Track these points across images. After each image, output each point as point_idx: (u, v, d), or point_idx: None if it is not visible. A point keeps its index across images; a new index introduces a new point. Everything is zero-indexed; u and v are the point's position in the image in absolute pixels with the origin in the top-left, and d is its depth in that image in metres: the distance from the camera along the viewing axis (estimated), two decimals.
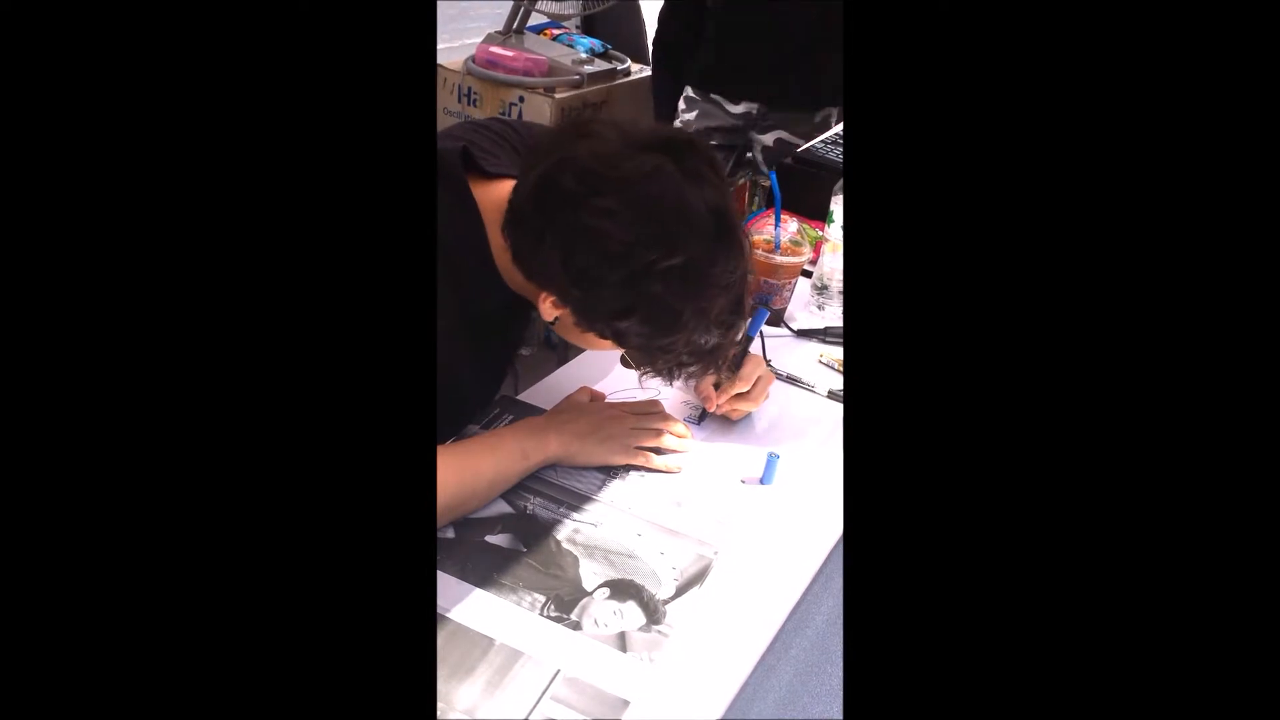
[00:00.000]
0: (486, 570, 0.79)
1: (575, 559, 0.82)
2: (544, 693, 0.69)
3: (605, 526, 0.86)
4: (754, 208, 2.75)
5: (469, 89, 2.57)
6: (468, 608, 0.75)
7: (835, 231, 1.27)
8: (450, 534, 0.83)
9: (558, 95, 2.46)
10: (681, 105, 2.11)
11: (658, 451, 0.95)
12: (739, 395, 1.00)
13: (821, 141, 1.79)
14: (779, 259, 1.19)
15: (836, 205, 1.27)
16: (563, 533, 0.85)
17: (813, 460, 0.98)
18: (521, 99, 2.48)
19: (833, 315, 1.28)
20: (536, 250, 0.77)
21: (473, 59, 2.56)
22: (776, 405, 1.07)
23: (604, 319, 0.78)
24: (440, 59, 2.52)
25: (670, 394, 1.02)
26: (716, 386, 1.00)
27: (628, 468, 0.94)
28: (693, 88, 2.08)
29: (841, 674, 0.74)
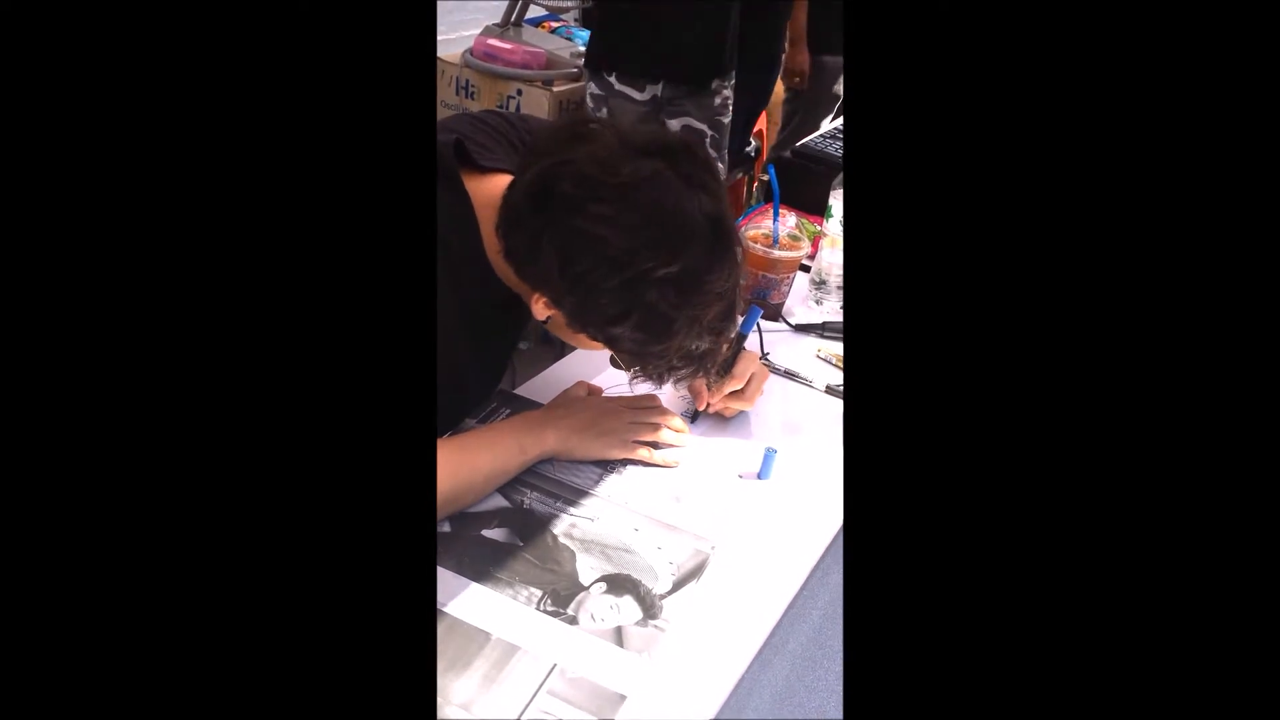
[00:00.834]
0: (483, 565, 0.79)
1: (572, 553, 0.82)
2: (540, 687, 0.69)
3: (602, 521, 0.86)
4: (753, 202, 2.75)
5: (467, 81, 2.56)
6: (464, 602, 0.75)
7: (833, 226, 1.27)
8: (447, 528, 0.83)
9: (556, 88, 2.45)
10: (590, 104, 2.11)
11: (655, 446, 0.95)
12: (732, 393, 1.00)
13: (820, 136, 1.79)
14: (777, 254, 1.19)
15: (835, 200, 1.27)
16: (560, 527, 0.85)
17: (810, 455, 0.98)
18: (519, 92, 2.47)
19: (831, 310, 1.28)
20: (532, 253, 0.77)
21: (470, 51, 2.55)
22: (774, 400, 1.07)
23: (598, 324, 0.78)
24: (438, 51, 2.52)
25: (667, 389, 1.02)
26: (709, 385, 1.00)
27: (625, 462, 0.94)
28: (590, 71, 2.08)
29: (838, 668, 0.74)
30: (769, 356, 1.15)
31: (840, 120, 2.24)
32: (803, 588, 0.82)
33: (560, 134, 0.78)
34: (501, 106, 2.52)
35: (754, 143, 2.85)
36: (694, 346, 0.79)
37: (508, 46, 2.49)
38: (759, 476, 0.94)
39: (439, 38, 2.97)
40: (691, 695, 0.70)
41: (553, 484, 0.90)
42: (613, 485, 0.91)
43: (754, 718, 0.70)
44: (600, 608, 0.77)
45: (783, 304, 1.25)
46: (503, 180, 0.83)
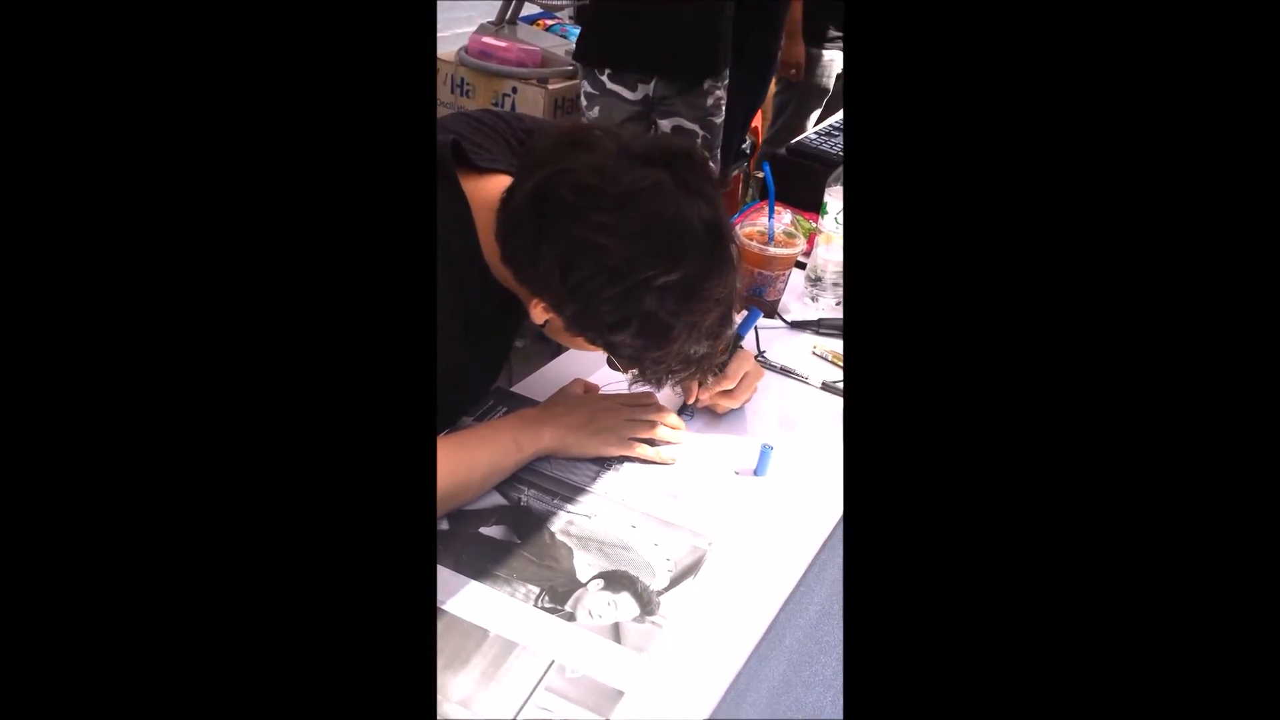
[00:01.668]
0: (481, 562, 0.79)
1: (569, 550, 0.82)
2: (538, 683, 0.69)
3: (599, 518, 0.87)
4: (748, 199, 2.75)
5: (461, 79, 2.56)
6: (462, 599, 0.75)
7: (829, 223, 1.27)
8: (444, 526, 0.83)
9: (551, 86, 2.45)
10: (583, 102, 2.11)
11: (651, 443, 0.95)
12: (724, 391, 1.00)
13: (815, 133, 1.79)
14: (773, 251, 1.19)
15: (830, 197, 1.28)
16: (557, 524, 0.85)
17: (806, 451, 0.98)
18: (514, 90, 2.47)
19: (826, 306, 1.28)
20: (532, 259, 0.77)
21: (465, 49, 2.55)
22: (770, 397, 1.07)
23: (597, 330, 0.79)
24: None
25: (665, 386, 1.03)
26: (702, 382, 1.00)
27: (622, 459, 0.94)
28: (583, 67, 2.08)
29: (835, 663, 0.75)
30: (765, 354, 1.15)
31: (832, 116, 2.24)
32: (799, 583, 0.82)
33: (560, 141, 0.78)
34: (496, 104, 2.52)
35: (749, 139, 2.86)
36: (692, 351, 0.80)
37: (502, 44, 2.49)
38: (755, 473, 0.95)
39: None
40: (689, 691, 0.71)
41: (550, 481, 0.90)
42: (610, 482, 0.91)
43: (751, 714, 0.70)
44: (598, 604, 0.77)
45: (778, 301, 1.25)
46: (500, 180, 0.83)
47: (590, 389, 1.01)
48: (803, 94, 2.72)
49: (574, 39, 2.60)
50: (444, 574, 0.78)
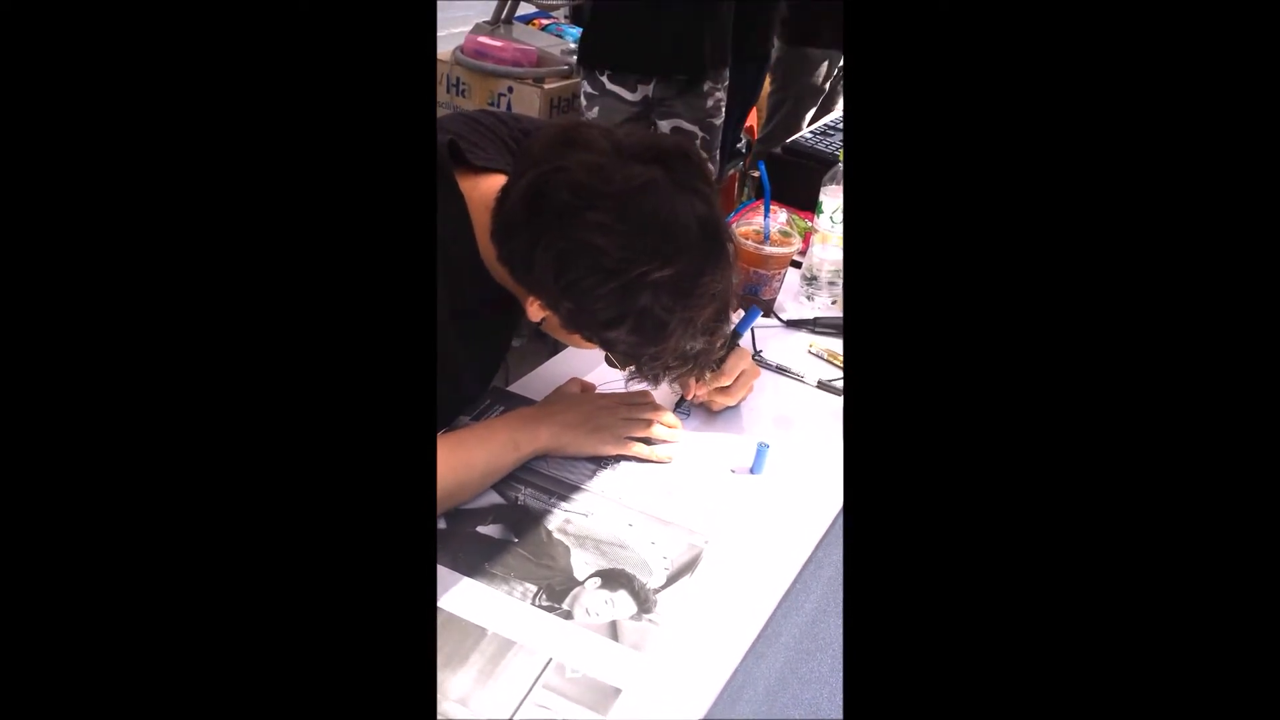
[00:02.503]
0: (478, 560, 0.80)
1: (566, 549, 0.83)
2: (536, 681, 0.70)
3: (596, 516, 0.87)
4: (743, 198, 2.76)
5: (458, 79, 2.56)
6: (460, 598, 0.76)
7: (824, 222, 1.28)
8: (442, 525, 0.83)
9: (547, 86, 2.45)
10: (582, 102, 2.11)
11: (648, 442, 0.96)
12: (720, 389, 1.00)
13: (811, 132, 1.79)
14: (768, 249, 1.19)
15: (825, 196, 1.28)
16: (554, 523, 0.85)
17: (802, 450, 0.99)
18: (510, 89, 2.47)
19: (822, 305, 1.29)
20: (527, 258, 0.77)
21: (461, 49, 2.55)
22: (766, 395, 1.08)
23: (593, 327, 0.79)
24: None
25: (662, 385, 1.03)
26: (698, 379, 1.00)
27: (618, 458, 0.95)
28: (583, 70, 2.08)
29: (832, 660, 0.75)
30: (761, 353, 1.16)
31: (826, 115, 2.25)
32: (796, 581, 0.83)
33: (554, 139, 0.78)
34: (492, 104, 2.52)
35: (744, 138, 2.86)
36: (689, 347, 0.80)
37: (498, 44, 2.49)
38: (751, 471, 0.95)
39: None
40: (686, 688, 0.71)
41: (547, 480, 0.91)
42: (606, 481, 0.92)
43: (748, 711, 0.71)
44: (595, 602, 0.77)
45: (774, 299, 1.26)
46: (497, 180, 0.83)
47: (587, 388, 1.01)
48: (797, 94, 2.72)
49: (570, 39, 2.61)
50: (442, 572, 0.78)
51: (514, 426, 0.91)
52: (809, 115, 2.73)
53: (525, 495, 0.88)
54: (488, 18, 2.61)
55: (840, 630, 0.78)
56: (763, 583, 0.81)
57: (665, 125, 2.07)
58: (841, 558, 0.87)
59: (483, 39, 2.51)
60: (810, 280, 1.30)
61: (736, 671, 0.73)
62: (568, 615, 0.76)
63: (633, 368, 0.84)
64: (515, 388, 1.04)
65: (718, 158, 2.28)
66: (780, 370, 1.14)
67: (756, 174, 1.22)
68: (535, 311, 0.82)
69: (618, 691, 0.70)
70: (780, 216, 1.24)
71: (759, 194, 1.22)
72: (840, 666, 0.75)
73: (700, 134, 2.09)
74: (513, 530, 0.84)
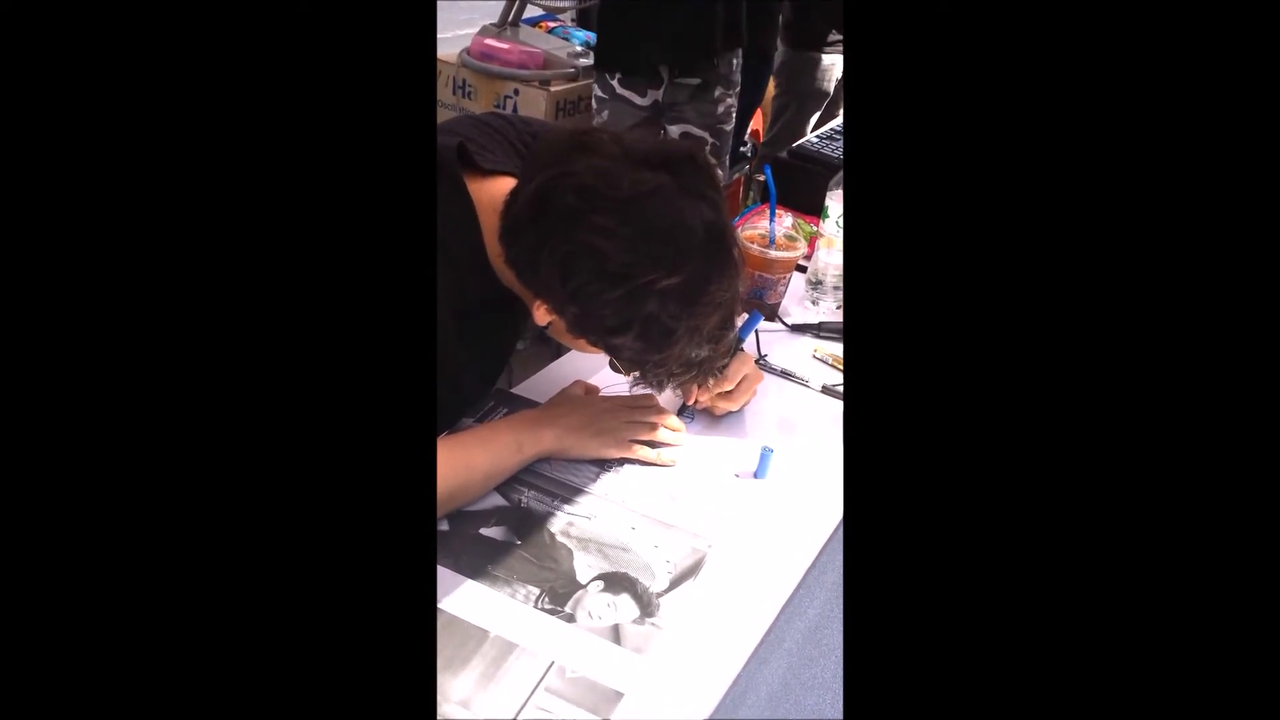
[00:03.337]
0: (480, 563, 0.80)
1: (569, 552, 0.82)
2: (538, 685, 0.69)
3: (599, 519, 0.87)
4: (749, 202, 2.76)
5: (464, 81, 2.56)
6: (462, 600, 0.76)
7: (829, 227, 1.28)
8: (444, 527, 0.83)
9: (553, 88, 2.45)
10: (594, 106, 2.11)
11: (652, 445, 0.96)
12: (722, 394, 1.00)
13: (817, 137, 1.79)
14: (773, 254, 1.19)
15: (831, 200, 1.28)
16: (557, 525, 0.85)
17: (806, 454, 0.99)
18: (516, 91, 2.48)
19: (827, 310, 1.28)
20: (534, 262, 0.77)
21: (467, 51, 2.56)
22: (770, 400, 1.08)
23: (598, 333, 0.79)
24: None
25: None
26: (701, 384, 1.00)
27: (622, 461, 0.94)
28: (597, 72, 2.08)
29: (835, 666, 0.75)
30: (765, 357, 1.15)
31: (833, 120, 2.25)
32: (799, 586, 0.82)
33: (562, 143, 0.78)
34: (498, 106, 2.52)
35: (749, 142, 2.86)
36: (694, 354, 0.80)
37: (505, 46, 2.50)
38: (755, 476, 0.95)
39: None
40: (688, 693, 0.71)
41: (550, 482, 0.91)
42: (610, 484, 0.91)
43: (750, 715, 0.70)
44: (598, 606, 0.77)
45: (779, 304, 1.26)
46: (505, 182, 0.83)
47: (591, 391, 1.01)
48: (802, 97, 2.73)
49: (576, 41, 2.61)
50: (444, 574, 0.78)
51: (517, 429, 0.91)
52: (814, 119, 2.73)
53: (528, 498, 0.88)
54: (494, 20, 2.61)
55: (843, 637, 0.78)
56: (766, 587, 0.81)
57: (675, 130, 2.07)
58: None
59: (489, 41, 2.52)
60: (815, 285, 1.30)
61: (739, 676, 0.73)
62: (570, 618, 0.76)
63: (637, 373, 0.84)
64: (519, 390, 1.04)
65: (726, 164, 2.28)
66: (785, 375, 1.13)
67: (762, 178, 1.22)
68: (541, 315, 0.82)
69: (619, 695, 0.70)
70: (786, 221, 1.24)
71: (764, 198, 1.22)
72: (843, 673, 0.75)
73: (710, 139, 2.09)
74: (515, 532, 0.84)
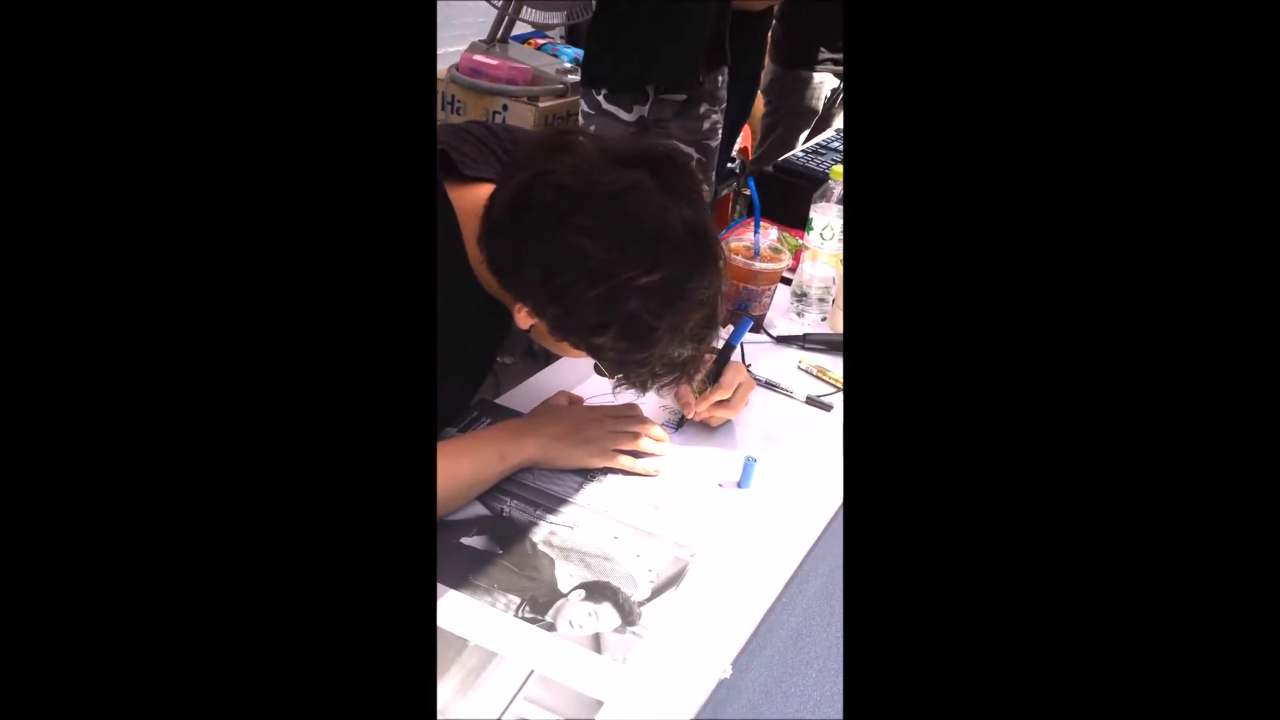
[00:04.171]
0: (462, 572, 0.79)
1: (551, 561, 0.82)
2: (517, 693, 0.69)
3: (582, 529, 0.86)
4: (736, 215, 2.77)
5: (453, 97, 2.57)
6: (442, 609, 0.75)
7: (814, 239, 1.28)
8: None
9: (541, 104, 2.46)
10: (580, 121, 2.12)
11: (635, 454, 0.95)
12: (719, 402, 1.00)
13: (803, 151, 1.80)
14: (758, 265, 1.20)
15: (815, 213, 1.28)
16: (539, 535, 0.85)
17: (790, 465, 0.99)
18: (505, 107, 2.48)
19: (812, 322, 1.29)
20: (514, 264, 0.77)
21: (456, 67, 2.57)
22: (755, 410, 1.08)
23: (580, 333, 0.79)
24: None
25: (649, 398, 1.03)
26: (696, 393, 1.00)
27: (605, 471, 0.94)
28: (583, 89, 2.08)
29: (814, 674, 0.75)
30: (750, 368, 1.16)
31: (820, 136, 2.26)
32: (781, 595, 0.82)
33: (542, 145, 0.79)
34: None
35: (737, 158, 2.87)
36: (676, 354, 0.80)
37: (494, 62, 2.51)
38: (739, 485, 0.95)
39: None
40: (668, 701, 0.70)
41: (532, 492, 0.90)
42: (593, 493, 0.91)
43: None
44: (579, 614, 0.77)
45: (764, 315, 1.26)
46: (486, 190, 0.83)
47: (575, 400, 1.01)
48: (790, 114, 2.74)
49: (565, 58, 2.62)
50: None
51: (500, 438, 0.91)
52: (803, 136, 2.75)
53: (511, 507, 0.88)
54: (484, 37, 2.62)
55: (824, 645, 0.78)
56: (748, 597, 0.81)
57: None
58: (827, 573, 0.86)
59: (478, 57, 2.53)
60: (800, 297, 1.30)
61: (719, 684, 0.72)
62: (551, 627, 0.75)
63: (621, 375, 0.83)
64: (503, 400, 1.04)
65: (712, 179, 2.28)
66: (769, 385, 1.14)
67: (748, 191, 1.22)
68: (523, 319, 0.82)
69: (599, 704, 0.69)
70: (771, 233, 1.25)
71: (750, 211, 1.23)
72: (824, 680, 0.75)
73: (696, 155, 2.09)
74: (497, 542, 0.83)
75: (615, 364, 0.82)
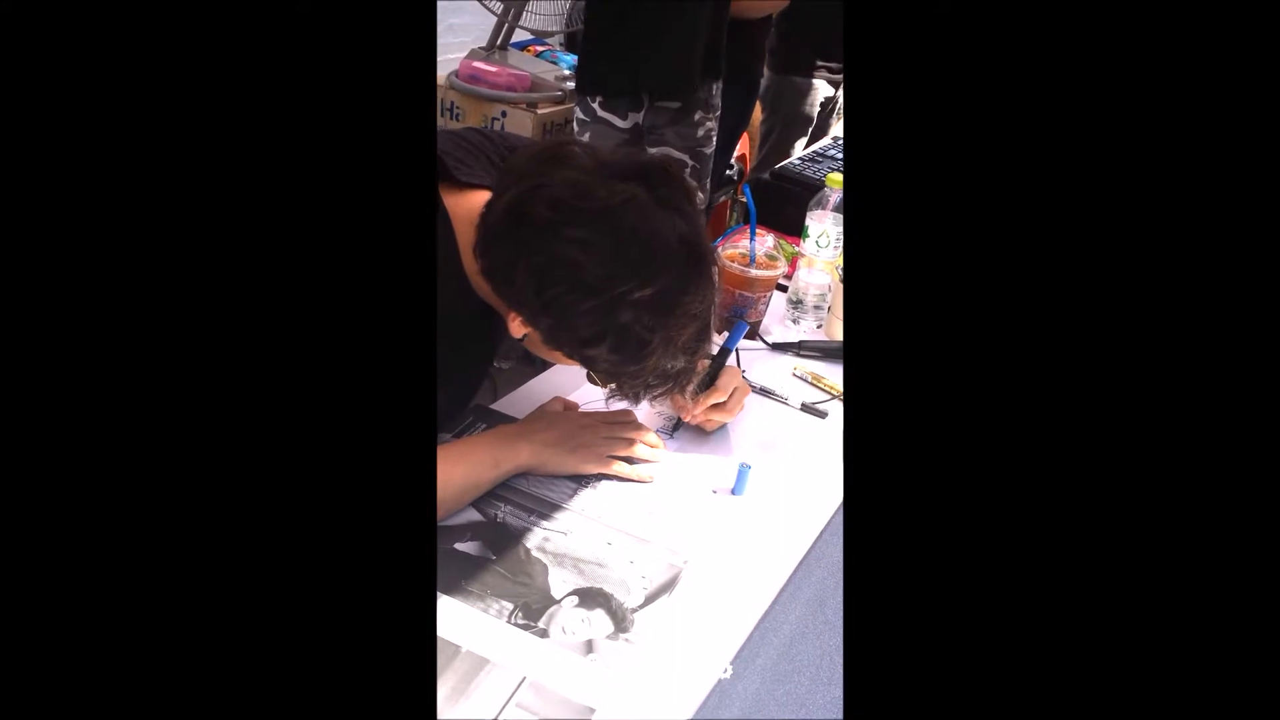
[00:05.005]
0: (455, 577, 0.79)
1: (544, 567, 0.82)
2: (509, 699, 0.69)
3: (575, 535, 0.86)
4: (733, 223, 2.77)
5: (452, 103, 2.58)
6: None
7: (809, 246, 1.28)
8: None
9: (540, 110, 2.47)
10: (574, 128, 2.12)
11: (629, 461, 0.95)
12: (715, 406, 1.00)
13: (799, 159, 1.81)
14: (754, 273, 1.20)
15: (811, 221, 1.29)
16: (532, 541, 0.85)
17: (785, 471, 0.99)
18: (504, 114, 2.49)
19: (807, 329, 1.29)
20: (508, 274, 0.78)
21: (455, 74, 2.57)
22: (749, 417, 1.08)
23: (573, 344, 0.79)
24: None
25: (644, 404, 1.03)
26: (691, 398, 1.00)
27: (599, 477, 0.94)
28: (577, 96, 2.09)
29: (808, 682, 0.74)
30: (745, 374, 1.16)
31: (817, 143, 2.26)
32: (774, 603, 0.82)
33: (537, 156, 0.79)
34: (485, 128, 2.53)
35: (736, 165, 2.87)
36: (669, 366, 0.80)
37: (493, 69, 2.51)
38: (733, 492, 0.95)
39: None
40: (661, 708, 0.70)
41: (526, 498, 0.90)
42: (586, 500, 0.91)
43: None
44: (571, 621, 0.77)
45: (760, 322, 1.26)
46: (481, 196, 0.83)
47: (569, 406, 1.01)
48: (786, 122, 2.75)
49: (564, 65, 2.63)
50: None
51: (494, 444, 0.91)
52: (800, 143, 2.75)
53: (504, 513, 0.88)
54: (483, 44, 2.63)
55: (818, 653, 0.78)
56: (741, 604, 0.81)
57: (655, 153, 2.07)
58: (821, 581, 0.86)
59: (477, 64, 2.53)
60: (796, 304, 1.30)
61: (713, 692, 0.72)
62: (543, 634, 0.75)
63: (613, 386, 0.84)
64: (498, 405, 1.04)
65: (708, 186, 2.29)
66: (764, 393, 1.14)
67: (744, 199, 1.23)
68: (517, 328, 0.82)
69: (591, 710, 0.69)
70: (767, 241, 1.25)
71: (746, 218, 1.23)
72: (817, 688, 0.74)
73: (690, 162, 2.10)
74: (491, 548, 0.83)
75: (608, 375, 0.82)
